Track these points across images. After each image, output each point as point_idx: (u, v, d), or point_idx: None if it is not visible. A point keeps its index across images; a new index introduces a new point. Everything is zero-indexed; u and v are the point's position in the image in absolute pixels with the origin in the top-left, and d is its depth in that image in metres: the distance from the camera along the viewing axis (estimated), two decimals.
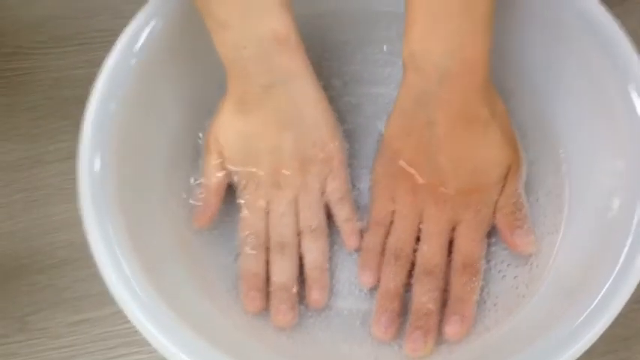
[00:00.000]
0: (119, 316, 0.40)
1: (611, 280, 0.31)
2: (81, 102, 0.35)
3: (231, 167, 0.39)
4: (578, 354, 0.29)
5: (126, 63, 0.35)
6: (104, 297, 0.40)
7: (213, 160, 0.39)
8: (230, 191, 0.39)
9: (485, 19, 0.33)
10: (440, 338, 0.35)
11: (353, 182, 0.40)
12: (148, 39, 0.36)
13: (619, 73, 0.33)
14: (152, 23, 0.36)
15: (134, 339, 0.40)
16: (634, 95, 0.32)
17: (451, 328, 0.35)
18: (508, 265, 0.37)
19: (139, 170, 0.36)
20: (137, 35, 0.35)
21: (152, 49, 0.36)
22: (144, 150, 0.37)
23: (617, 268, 0.31)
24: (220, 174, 0.39)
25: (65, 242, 0.43)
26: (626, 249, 0.31)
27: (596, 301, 0.30)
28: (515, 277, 0.37)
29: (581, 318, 0.30)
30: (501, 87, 0.37)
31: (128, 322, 0.40)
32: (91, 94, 0.34)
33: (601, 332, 0.30)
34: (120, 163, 0.34)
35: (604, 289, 0.30)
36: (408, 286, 0.37)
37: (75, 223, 0.42)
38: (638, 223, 0.31)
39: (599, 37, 0.34)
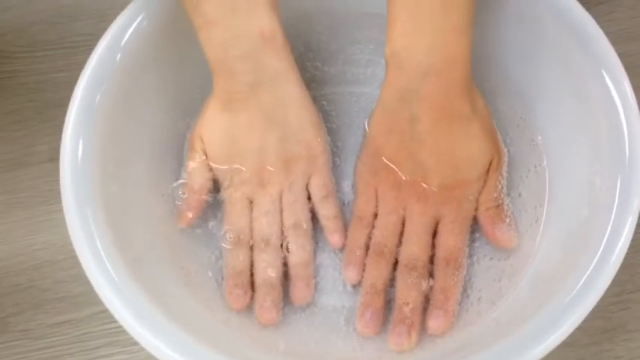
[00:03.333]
0: (100, 316, 0.40)
1: (588, 272, 0.31)
2: (63, 105, 0.35)
3: (215, 165, 0.39)
4: (557, 343, 0.30)
5: (112, 56, 0.35)
6: (85, 298, 0.41)
7: (197, 159, 0.39)
8: (214, 191, 0.39)
9: (467, 15, 0.34)
10: (423, 332, 0.35)
11: (337, 180, 0.40)
12: (133, 34, 0.36)
13: (595, 65, 0.34)
14: (138, 19, 0.36)
15: (116, 339, 0.40)
16: (611, 86, 0.33)
17: (434, 323, 0.35)
18: (491, 259, 0.38)
19: (122, 163, 0.36)
20: (123, 31, 0.36)
21: (137, 45, 0.36)
22: (128, 144, 0.37)
23: (594, 262, 0.31)
24: (204, 173, 0.39)
25: (46, 244, 0.42)
26: (603, 243, 0.32)
27: (575, 291, 0.31)
28: (498, 270, 0.37)
29: (560, 308, 0.30)
30: (480, 85, 0.37)
31: (110, 322, 0.40)
32: (76, 84, 0.34)
33: (579, 322, 0.30)
34: (103, 153, 0.34)
35: (582, 281, 0.31)
36: (391, 281, 0.37)
37: (56, 224, 0.43)
38: (616, 217, 0.32)
39: (576, 33, 0.35)
